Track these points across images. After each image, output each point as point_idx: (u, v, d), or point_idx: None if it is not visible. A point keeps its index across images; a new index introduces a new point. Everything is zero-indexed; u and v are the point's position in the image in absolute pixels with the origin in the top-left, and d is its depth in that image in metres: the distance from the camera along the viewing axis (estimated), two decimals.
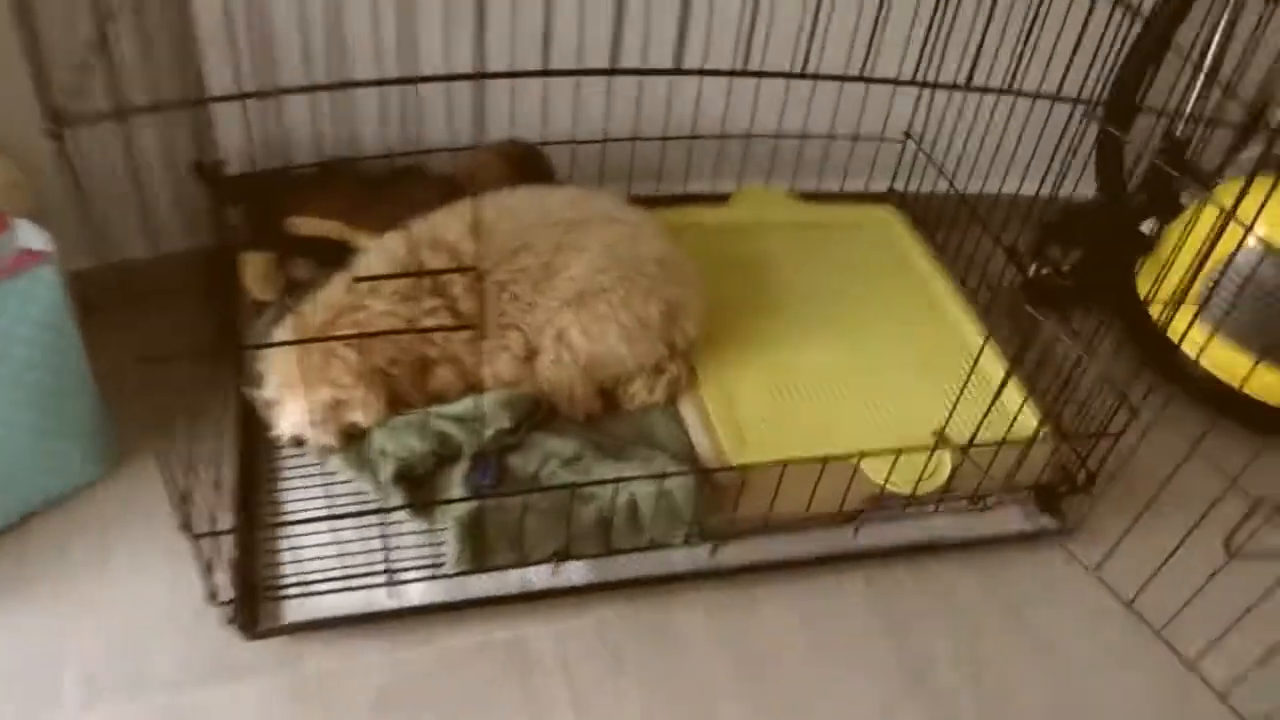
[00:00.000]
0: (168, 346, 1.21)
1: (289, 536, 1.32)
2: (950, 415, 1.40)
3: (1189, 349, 1.64)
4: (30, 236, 1.26)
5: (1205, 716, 1.35)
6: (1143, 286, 1.76)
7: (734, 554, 1.40)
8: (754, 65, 1.61)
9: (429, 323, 1.32)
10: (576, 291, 1.38)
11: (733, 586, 1.40)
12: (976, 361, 1.33)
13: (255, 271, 1.50)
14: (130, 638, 1.26)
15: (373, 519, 1.31)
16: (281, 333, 1.34)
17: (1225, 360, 1.65)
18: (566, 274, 1.38)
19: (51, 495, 1.38)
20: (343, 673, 1.25)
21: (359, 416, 1.33)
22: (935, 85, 1.07)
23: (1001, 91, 1.12)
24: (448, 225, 1.37)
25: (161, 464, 1.06)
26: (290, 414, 1.31)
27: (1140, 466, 1.51)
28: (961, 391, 1.36)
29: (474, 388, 1.40)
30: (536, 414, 1.39)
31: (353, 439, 1.35)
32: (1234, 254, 1.50)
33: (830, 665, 1.34)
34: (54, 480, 1.37)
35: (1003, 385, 1.35)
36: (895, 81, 1.07)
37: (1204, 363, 1.66)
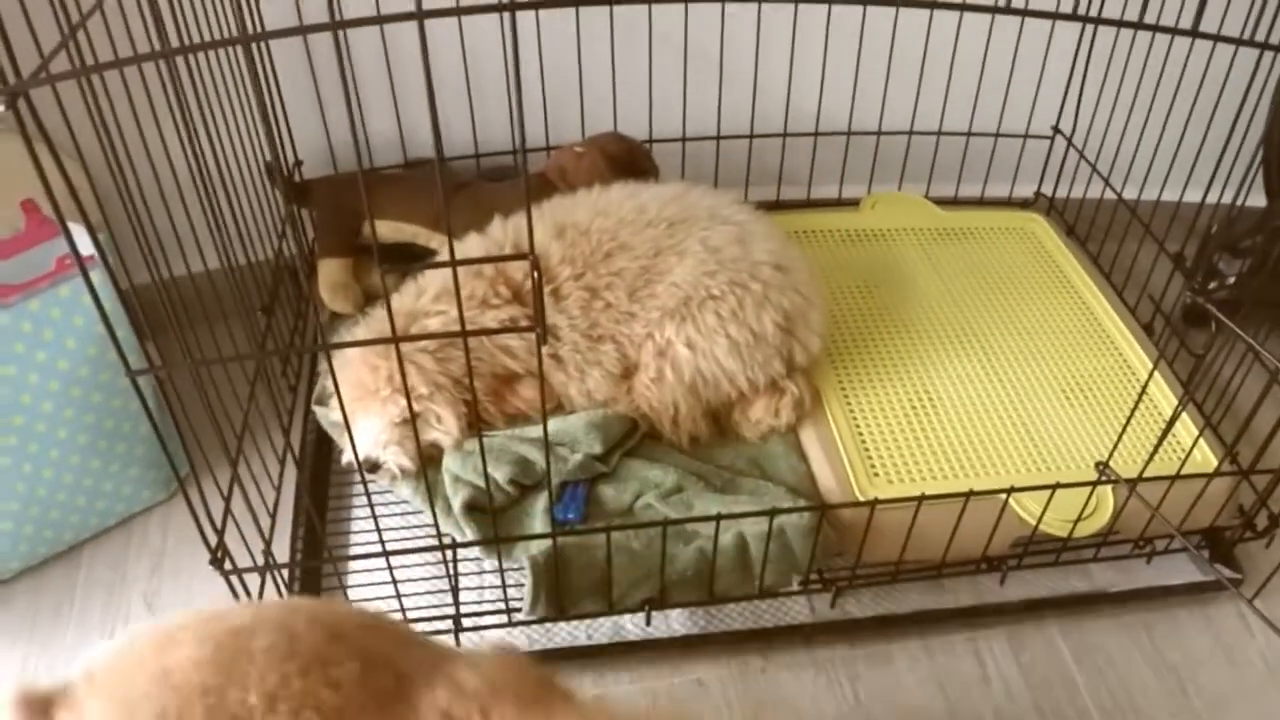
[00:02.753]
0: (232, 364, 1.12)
1: (348, 573, 1.18)
2: (1116, 444, 1.18)
3: None
4: (78, 243, 1.16)
5: None
6: None
7: (858, 605, 1.22)
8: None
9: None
10: (680, 299, 1.22)
11: (855, 643, 1.22)
12: (1146, 385, 1.12)
13: (330, 279, 1.37)
14: None
15: (440, 555, 1.16)
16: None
17: None
18: (668, 279, 1.22)
19: (106, 521, 1.30)
20: None
21: (435, 434, 1.18)
22: (1100, 21, 0.88)
23: (1177, 32, 0.93)
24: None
25: (188, 491, 0.93)
26: (360, 433, 1.17)
27: None
28: (1130, 418, 1.15)
29: (563, 408, 1.24)
30: (632, 438, 1.23)
31: (429, 464, 1.20)
32: None
33: None
34: (111, 504, 1.28)
35: (1178, 411, 1.14)
36: (1055, 15, 0.90)
37: None
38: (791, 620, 1.20)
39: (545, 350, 1.19)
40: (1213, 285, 1.61)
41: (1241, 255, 1.63)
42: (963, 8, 0.89)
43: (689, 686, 1.16)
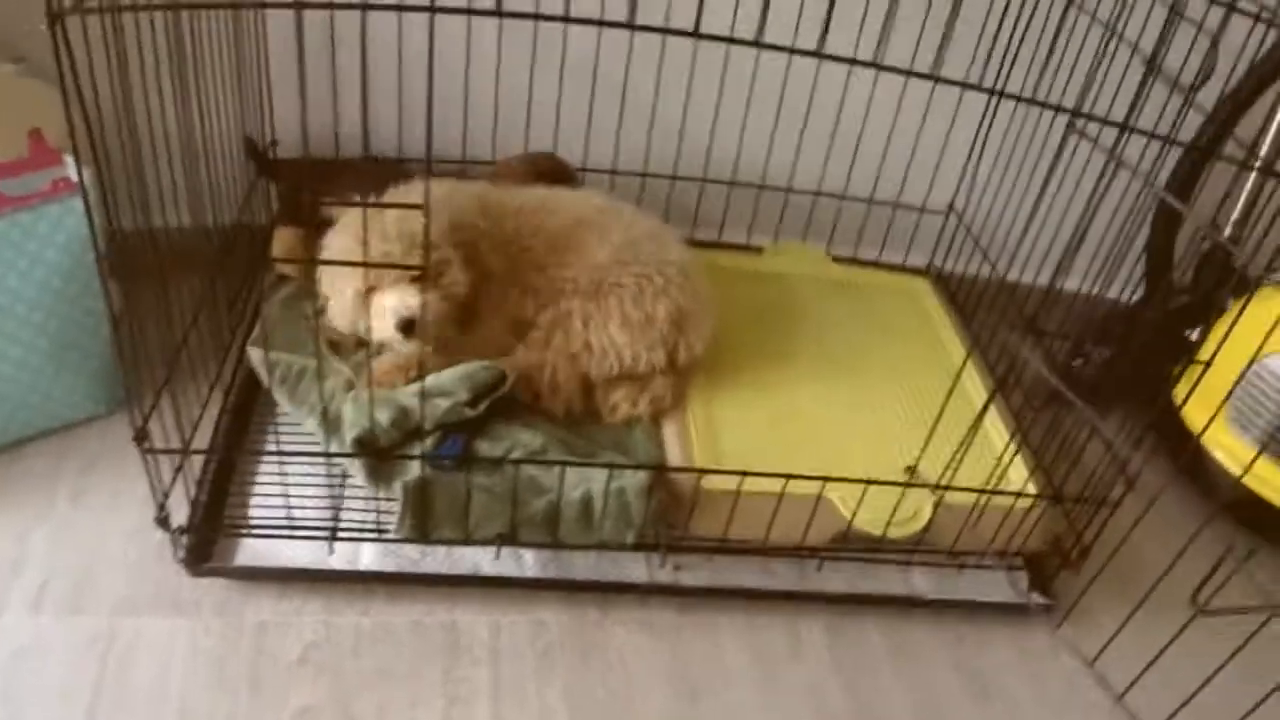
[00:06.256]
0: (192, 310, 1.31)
1: (255, 481, 1.36)
2: (926, 445, 1.33)
3: (1225, 459, 1.60)
4: (73, 172, 1.35)
5: None
6: (1181, 394, 1.69)
7: (692, 575, 1.37)
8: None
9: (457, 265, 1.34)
10: (592, 282, 1.40)
11: (685, 610, 1.37)
12: (952, 383, 1.28)
13: (284, 246, 1.56)
14: (90, 560, 1.30)
15: (331, 478, 1.33)
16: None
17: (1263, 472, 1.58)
18: (586, 258, 1.41)
19: (53, 423, 1.44)
20: (277, 625, 1.26)
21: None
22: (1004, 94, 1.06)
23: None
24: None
25: (124, 369, 1.10)
26: (389, 303, 1.32)
27: (1135, 552, 1.39)
28: (937, 420, 1.29)
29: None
30: (498, 390, 1.37)
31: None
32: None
33: (772, 709, 1.28)
34: (58, 408, 1.43)
35: (982, 412, 1.30)
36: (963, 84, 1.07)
37: (1230, 466, 1.59)
38: (630, 579, 1.35)
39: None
40: (1078, 362, 1.79)
41: (1109, 343, 1.80)
42: (877, 67, 1.07)
43: (531, 624, 1.31)
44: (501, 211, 1.41)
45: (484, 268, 1.38)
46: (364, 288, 1.33)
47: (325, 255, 1.31)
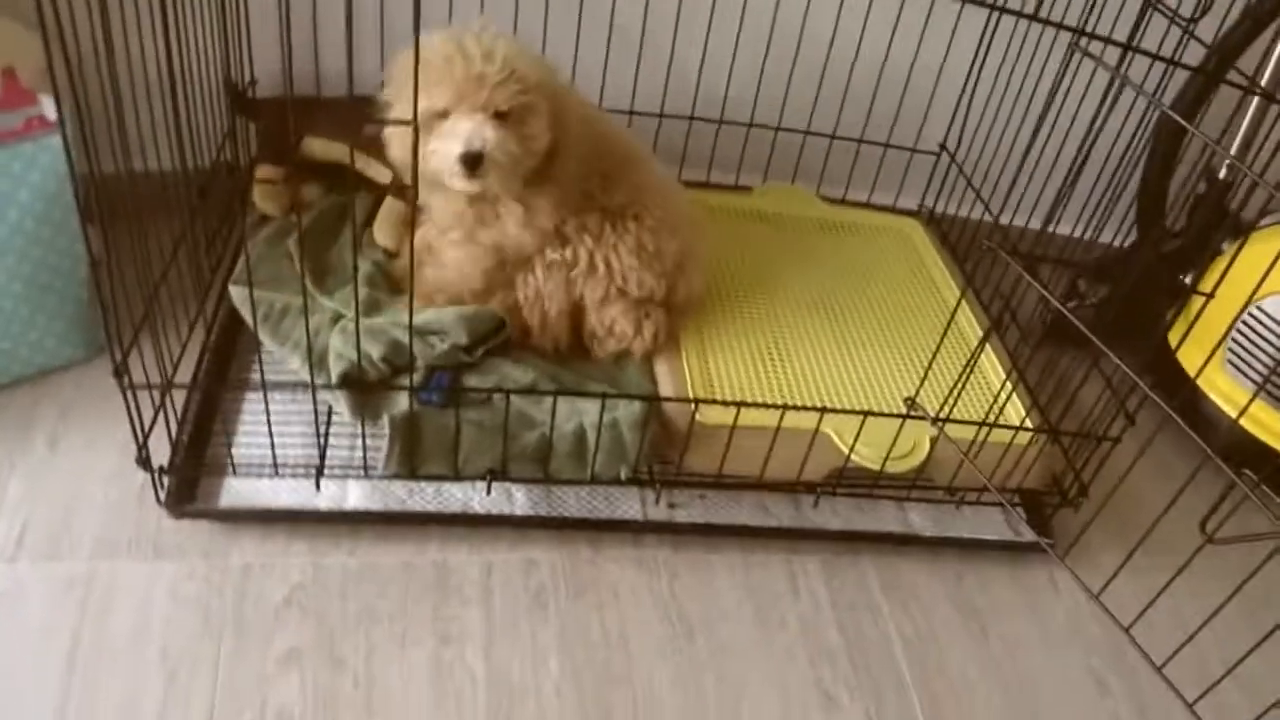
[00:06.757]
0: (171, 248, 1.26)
1: (239, 415, 1.33)
2: (924, 378, 1.31)
3: (1221, 403, 1.59)
4: (49, 110, 1.30)
5: None
6: (1176, 337, 1.67)
7: (686, 512, 1.35)
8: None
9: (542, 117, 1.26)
10: (622, 205, 1.38)
11: (679, 548, 1.35)
12: (952, 319, 1.26)
13: (264, 184, 1.52)
14: (68, 505, 1.27)
15: (318, 418, 1.29)
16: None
17: (1259, 414, 1.56)
18: (628, 182, 1.38)
19: (28, 369, 1.40)
20: (261, 567, 1.23)
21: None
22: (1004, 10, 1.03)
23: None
24: None
25: (103, 307, 1.06)
26: (457, 133, 1.22)
27: (1131, 494, 1.38)
28: (936, 350, 1.28)
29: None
30: (497, 335, 1.35)
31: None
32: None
33: (769, 645, 1.27)
34: (33, 354, 1.39)
35: (980, 344, 1.28)
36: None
37: (1227, 409, 1.58)
38: (623, 516, 1.32)
39: None
40: (1072, 304, 1.77)
41: (1103, 283, 1.78)
42: None
43: (523, 563, 1.29)
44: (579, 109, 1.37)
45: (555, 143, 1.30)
46: (442, 106, 1.22)
47: (401, 63, 1.22)
